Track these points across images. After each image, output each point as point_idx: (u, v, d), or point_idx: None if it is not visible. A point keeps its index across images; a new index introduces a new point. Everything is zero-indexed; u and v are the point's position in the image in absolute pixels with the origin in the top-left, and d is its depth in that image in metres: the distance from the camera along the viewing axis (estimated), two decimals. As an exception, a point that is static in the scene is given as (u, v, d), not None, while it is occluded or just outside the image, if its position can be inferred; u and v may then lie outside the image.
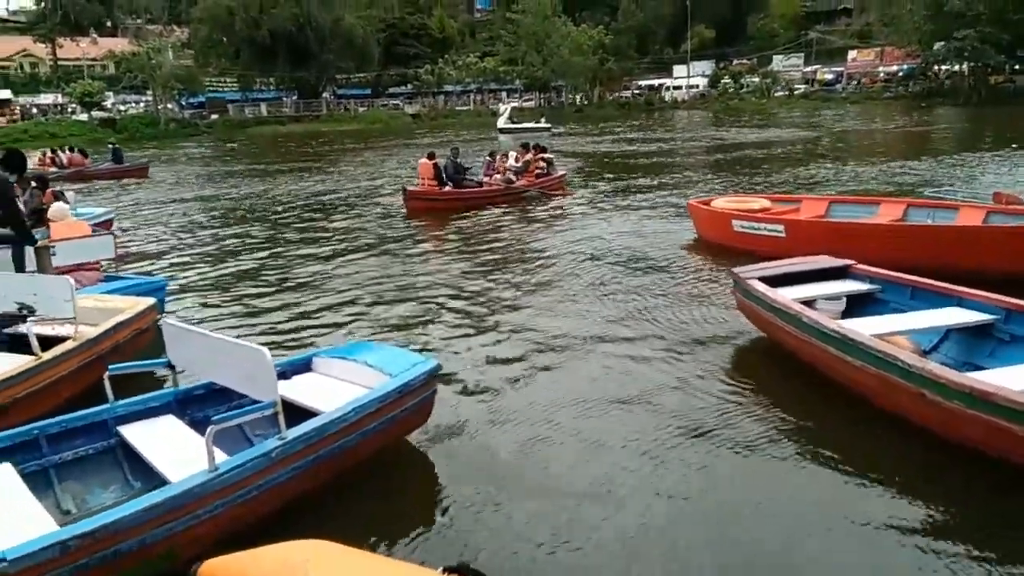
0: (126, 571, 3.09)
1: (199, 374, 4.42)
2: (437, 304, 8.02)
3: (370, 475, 4.24)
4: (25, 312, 5.13)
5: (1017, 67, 53.83)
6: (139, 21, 72.99)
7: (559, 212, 13.93)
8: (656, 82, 72.07)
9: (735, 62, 72.48)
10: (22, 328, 5.02)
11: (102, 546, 2.97)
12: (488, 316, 7.48)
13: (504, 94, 71.09)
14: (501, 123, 45.37)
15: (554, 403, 5.26)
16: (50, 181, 12.89)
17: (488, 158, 16.81)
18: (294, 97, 65.25)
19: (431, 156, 15.06)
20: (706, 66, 72.64)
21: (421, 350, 6.22)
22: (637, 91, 71.43)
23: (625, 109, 62.86)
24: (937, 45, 50.66)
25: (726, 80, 67.69)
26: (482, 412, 5.19)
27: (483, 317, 7.46)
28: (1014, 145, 21.64)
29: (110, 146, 27.02)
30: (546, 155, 16.80)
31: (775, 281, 6.15)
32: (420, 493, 4.27)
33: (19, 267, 6.70)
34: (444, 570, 2.60)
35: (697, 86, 69.34)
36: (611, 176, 19.95)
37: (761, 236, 9.40)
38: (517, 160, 16.24)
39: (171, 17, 74.08)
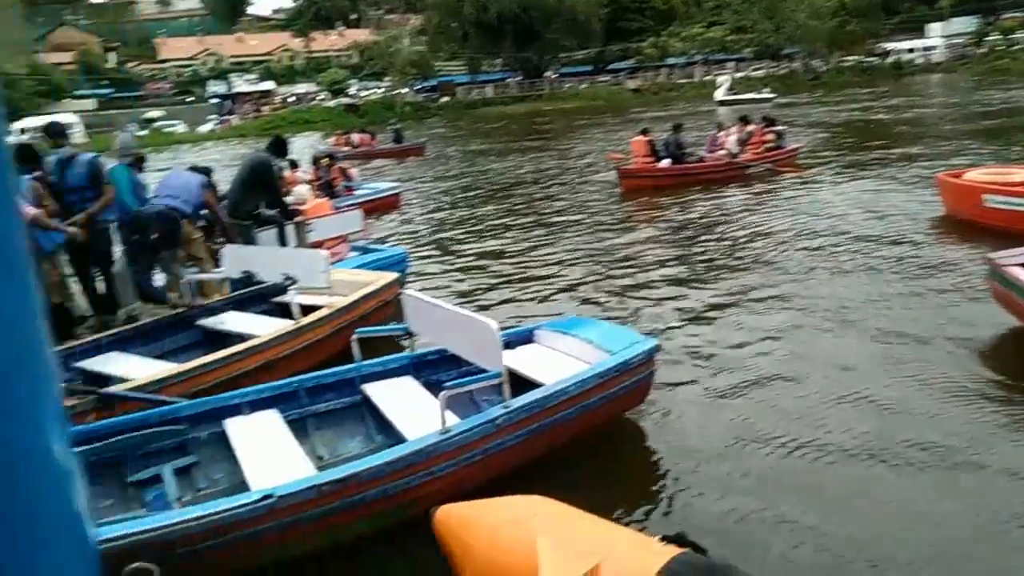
0: (366, 517, 3.42)
1: (433, 341, 4.75)
2: (655, 283, 7.95)
3: (588, 447, 4.33)
4: (288, 283, 5.81)
5: None
6: (380, 12, 78.74)
7: (789, 188, 13.11)
8: (902, 44, 64.86)
9: (1004, 16, 63.28)
10: (286, 297, 5.69)
11: (350, 492, 3.30)
12: (708, 297, 7.29)
13: (732, 64, 67.96)
14: (719, 95, 43.16)
15: (776, 392, 5.04)
16: (340, 159, 14.81)
17: (712, 132, 16.23)
18: (518, 78, 67.21)
19: (644, 132, 14.79)
20: (966, 22, 64.13)
21: (639, 328, 6.21)
22: (882, 54, 64.80)
23: (868, 75, 57.27)
24: None
25: (995, 36, 59.33)
26: (701, 394, 5.11)
27: (703, 298, 7.28)
28: None
29: (391, 128, 28.86)
30: (776, 127, 15.83)
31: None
32: (637, 467, 4.33)
33: (282, 242, 7.57)
34: (662, 538, 2.62)
35: (934, 48, 61.40)
36: (850, 148, 18.44)
37: (1019, 212, 8.25)
38: (739, 133, 15.49)
39: (408, 6, 79.20)
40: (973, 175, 9.49)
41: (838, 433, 4.38)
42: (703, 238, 9.95)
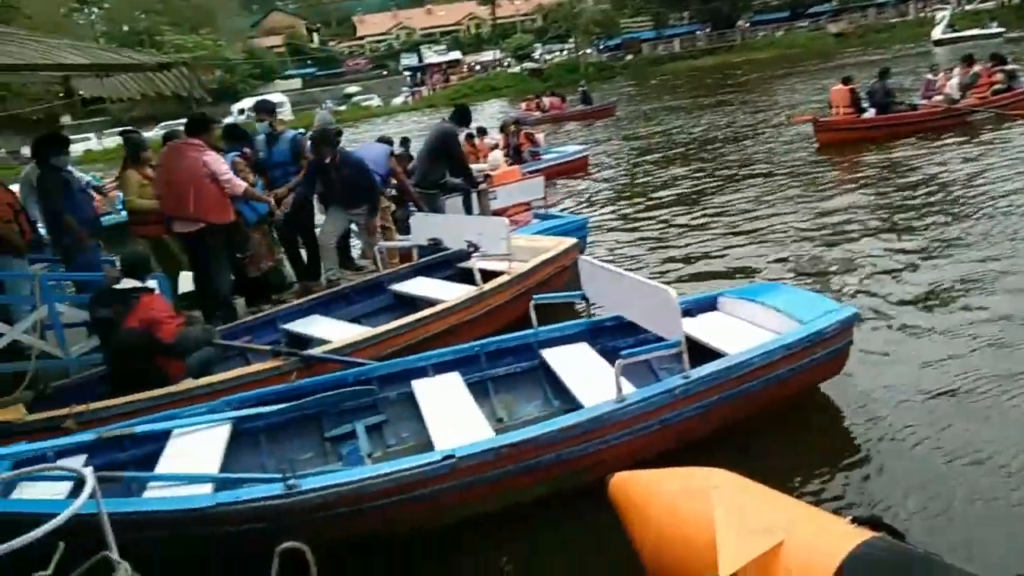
0: (542, 481, 3.46)
1: (609, 307, 4.69)
2: (852, 247, 7.33)
3: (774, 419, 4.10)
4: (471, 249, 5.98)
5: None
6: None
7: (1020, 138, 11.53)
8: None
9: None
10: (469, 263, 5.86)
11: (527, 456, 3.36)
12: (917, 264, 6.60)
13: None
14: (936, 33, 38.47)
15: (990, 372, 4.49)
16: (525, 124, 15.16)
17: (928, 76, 14.59)
18: (707, 30, 64.30)
19: (846, 81, 13.41)
20: None
21: (836, 295, 5.77)
22: None
23: None
24: None
25: None
26: (905, 368, 4.67)
27: (911, 265, 6.60)
28: None
29: (579, 90, 28.53)
30: (1006, 67, 13.83)
31: None
32: (828, 443, 4.05)
33: (467, 210, 7.79)
34: (853, 520, 2.42)
35: None
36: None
37: None
38: (962, 75, 13.72)
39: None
40: None
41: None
42: (912, 197, 9.00)
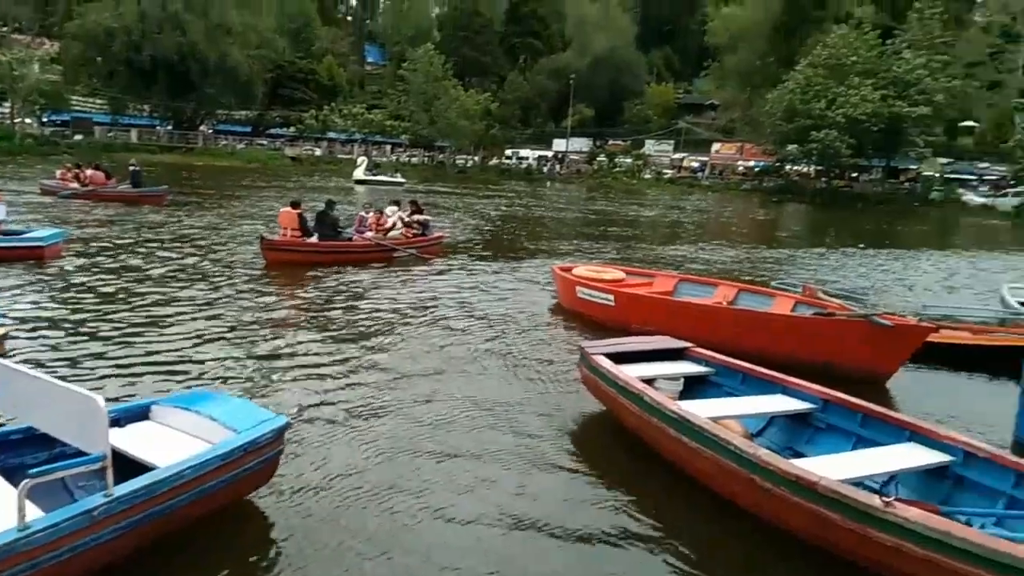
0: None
1: (21, 417, 4.10)
2: (287, 357, 7.80)
3: (203, 531, 4.08)
4: None
5: (855, 174, 59.59)
6: (5, 29, 68.26)
7: (430, 274, 13.93)
8: (532, 153, 74.57)
9: (610, 142, 76.02)
10: None
11: None
12: (339, 373, 7.37)
13: (389, 147, 71.90)
14: (358, 174, 46.18)
15: (393, 461, 5.32)
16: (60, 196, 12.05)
17: (361, 213, 16.51)
18: (168, 127, 62.87)
19: (295, 205, 14.26)
20: (584, 142, 75.91)
21: (271, 403, 6.04)
22: (517, 159, 73.70)
23: (506, 175, 64.82)
24: (790, 147, 54.92)
25: (601, 158, 71.16)
26: (329, 468, 5.13)
27: (334, 373, 7.34)
28: (857, 243, 24.40)
29: (130, 168, 25.20)
30: (421, 216, 16.63)
31: (619, 358, 6.29)
32: (259, 549, 4.16)
33: None
34: None
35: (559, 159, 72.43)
36: (489, 239, 20.40)
37: (596, 303, 10.05)
38: (409, 215, 16.15)
39: (42, 29, 70.30)
40: (579, 271, 11.11)
41: (444, 498, 4.77)
42: (339, 316, 9.98)
